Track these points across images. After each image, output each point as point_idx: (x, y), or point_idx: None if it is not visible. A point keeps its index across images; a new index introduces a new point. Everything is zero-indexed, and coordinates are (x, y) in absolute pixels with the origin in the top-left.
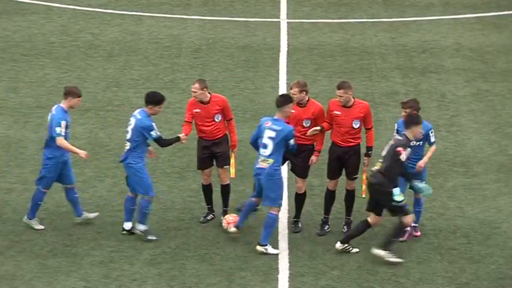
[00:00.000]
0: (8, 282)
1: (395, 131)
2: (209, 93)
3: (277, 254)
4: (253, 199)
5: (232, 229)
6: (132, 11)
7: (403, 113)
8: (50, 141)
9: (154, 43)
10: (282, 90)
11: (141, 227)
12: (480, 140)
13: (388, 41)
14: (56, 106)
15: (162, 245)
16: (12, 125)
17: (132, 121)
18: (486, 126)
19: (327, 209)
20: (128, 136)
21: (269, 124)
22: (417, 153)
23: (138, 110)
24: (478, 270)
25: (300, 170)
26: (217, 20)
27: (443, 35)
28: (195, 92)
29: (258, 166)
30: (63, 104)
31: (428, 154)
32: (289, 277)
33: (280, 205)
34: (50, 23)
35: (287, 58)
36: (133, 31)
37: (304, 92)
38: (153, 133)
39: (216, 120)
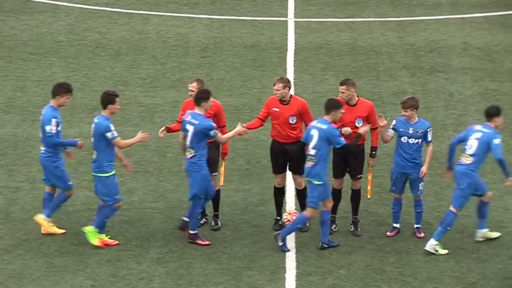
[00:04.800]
0: (16, 280)
1: (392, 128)
2: None
3: (285, 253)
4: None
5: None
6: (139, 10)
7: (402, 113)
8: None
9: (162, 42)
10: None
11: None
12: None
13: (396, 40)
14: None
15: (170, 244)
16: (20, 124)
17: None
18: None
19: (334, 209)
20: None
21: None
22: (414, 150)
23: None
24: (485, 269)
25: (295, 166)
26: (224, 19)
27: (451, 35)
28: (192, 91)
29: None
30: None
31: (428, 158)
32: (296, 276)
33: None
34: (57, 22)
35: (294, 57)
36: (140, 30)
37: (288, 88)
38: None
39: None
